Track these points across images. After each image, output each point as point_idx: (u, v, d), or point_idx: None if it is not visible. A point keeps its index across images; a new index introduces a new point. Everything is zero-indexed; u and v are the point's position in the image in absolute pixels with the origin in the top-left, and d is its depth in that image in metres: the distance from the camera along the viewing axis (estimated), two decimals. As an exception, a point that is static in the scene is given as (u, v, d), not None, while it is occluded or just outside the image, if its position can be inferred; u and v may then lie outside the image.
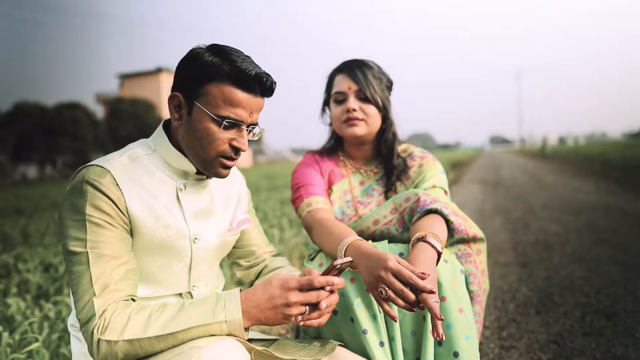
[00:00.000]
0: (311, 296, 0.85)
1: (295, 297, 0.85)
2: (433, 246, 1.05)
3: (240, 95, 0.91)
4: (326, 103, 1.45)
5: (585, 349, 1.87)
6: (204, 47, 0.94)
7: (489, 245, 3.76)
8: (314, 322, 0.89)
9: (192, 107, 0.93)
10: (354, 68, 1.35)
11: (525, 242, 3.86)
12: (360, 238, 1.13)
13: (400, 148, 1.45)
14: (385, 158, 1.43)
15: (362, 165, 1.47)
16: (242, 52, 0.95)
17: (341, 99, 1.36)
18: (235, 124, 0.93)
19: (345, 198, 1.40)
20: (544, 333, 2.04)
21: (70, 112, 30.99)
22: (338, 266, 0.88)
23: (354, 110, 1.33)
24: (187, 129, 0.95)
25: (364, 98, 1.34)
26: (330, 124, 1.47)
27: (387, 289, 0.94)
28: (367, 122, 1.35)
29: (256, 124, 0.98)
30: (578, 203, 5.98)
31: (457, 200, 6.81)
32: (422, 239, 1.07)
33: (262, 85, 0.93)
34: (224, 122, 0.92)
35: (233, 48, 0.94)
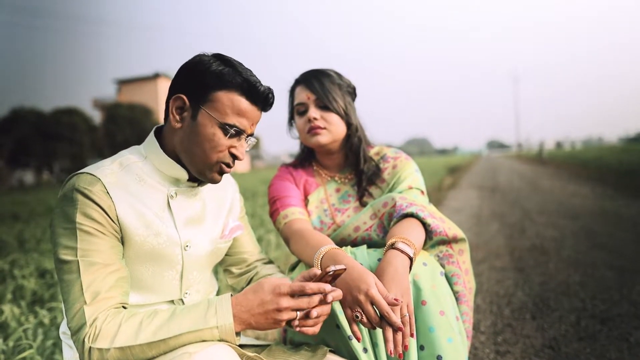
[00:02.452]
0: (302, 303, 0.85)
1: (287, 302, 0.85)
2: (403, 252, 1.05)
3: (247, 106, 0.95)
4: (292, 117, 1.45)
5: (580, 353, 1.87)
6: (210, 55, 0.96)
7: (485, 250, 3.77)
8: (309, 330, 0.89)
9: (198, 112, 0.94)
10: (310, 78, 1.36)
11: (521, 247, 3.86)
12: (336, 247, 1.13)
13: (372, 151, 1.46)
14: (353, 164, 1.43)
15: (336, 173, 1.47)
16: (244, 65, 0.98)
17: (302, 110, 1.37)
18: (238, 133, 0.96)
19: (322, 207, 1.40)
20: (539, 338, 2.05)
21: (68, 118, 30.91)
22: (331, 272, 0.87)
23: (315, 119, 1.34)
24: (189, 132, 0.95)
25: (323, 106, 1.34)
26: (299, 137, 1.47)
27: (362, 314, 0.95)
28: (330, 130, 1.35)
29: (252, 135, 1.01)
30: (574, 208, 6.00)
31: (454, 205, 6.82)
32: (392, 246, 1.07)
33: (266, 100, 0.98)
34: (231, 130, 0.94)
35: (236, 60, 0.97)
